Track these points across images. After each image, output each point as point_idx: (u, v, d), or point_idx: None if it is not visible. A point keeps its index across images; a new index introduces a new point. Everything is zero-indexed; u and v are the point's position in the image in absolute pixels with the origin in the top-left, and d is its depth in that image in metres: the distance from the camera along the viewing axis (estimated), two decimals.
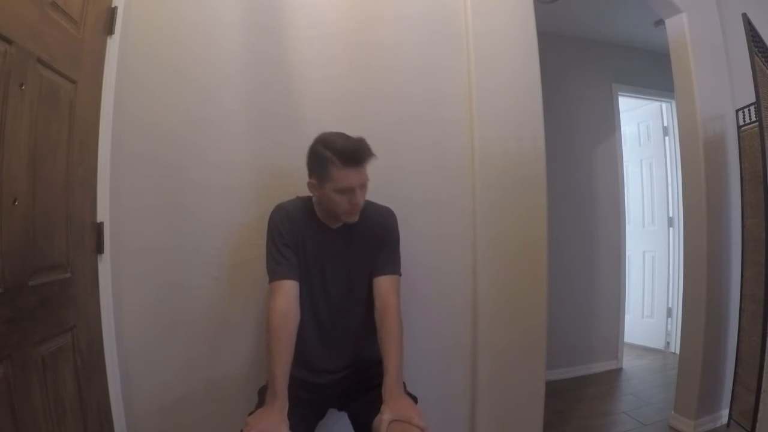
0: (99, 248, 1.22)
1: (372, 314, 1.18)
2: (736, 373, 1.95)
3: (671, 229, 3.30)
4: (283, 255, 1.12)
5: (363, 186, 1.09)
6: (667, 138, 3.33)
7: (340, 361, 1.20)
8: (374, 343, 1.20)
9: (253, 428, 0.94)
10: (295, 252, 1.14)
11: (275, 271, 1.11)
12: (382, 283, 1.17)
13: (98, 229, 1.22)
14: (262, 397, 1.09)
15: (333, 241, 1.18)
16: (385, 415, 0.98)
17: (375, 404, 1.03)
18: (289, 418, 0.99)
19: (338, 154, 1.04)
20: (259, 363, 1.32)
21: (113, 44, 1.26)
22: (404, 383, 1.14)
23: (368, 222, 1.20)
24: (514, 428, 1.57)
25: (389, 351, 1.08)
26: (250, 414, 1.02)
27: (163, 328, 1.30)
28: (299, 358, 1.13)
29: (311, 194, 1.16)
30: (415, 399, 1.11)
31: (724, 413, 2.04)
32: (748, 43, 1.71)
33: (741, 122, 2.01)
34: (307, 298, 1.16)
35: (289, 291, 1.09)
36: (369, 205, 1.22)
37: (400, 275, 1.22)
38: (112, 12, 1.26)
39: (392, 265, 1.20)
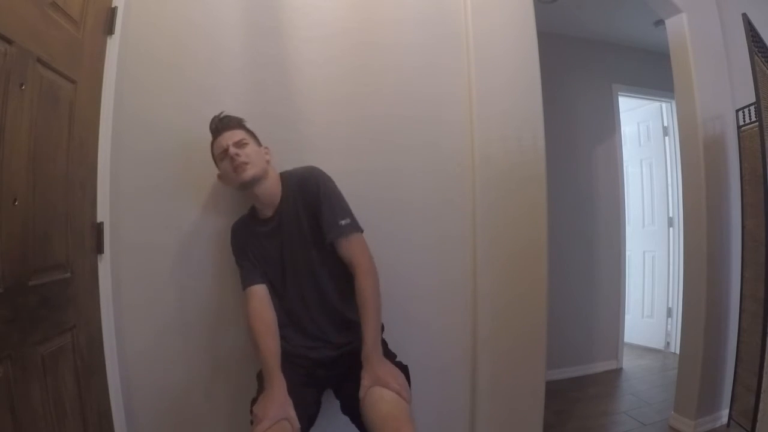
0: (99, 248, 1.22)
1: (350, 283, 1.16)
2: (736, 373, 1.95)
3: (671, 229, 3.30)
4: (242, 266, 1.21)
5: (237, 144, 1.15)
6: (667, 138, 3.33)
7: (328, 343, 1.19)
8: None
9: (263, 418, 0.96)
10: (252, 261, 1.21)
11: (242, 281, 1.21)
12: (340, 248, 1.15)
13: (98, 229, 1.22)
14: (262, 382, 1.11)
15: (266, 230, 1.21)
16: (365, 381, 1.02)
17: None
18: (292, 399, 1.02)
19: (210, 131, 1.19)
20: (257, 362, 1.31)
21: (113, 44, 1.26)
22: (395, 354, 1.16)
23: (289, 191, 1.20)
24: (514, 428, 1.57)
25: (363, 318, 1.09)
26: (253, 401, 1.04)
27: (163, 328, 1.30)
28: (290, 343, 1.16)
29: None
30: (405, 369, 1.12)
31: (724, 413, 2.04)
32: (748, 43, 1.71)
33: (741, 122, 2.01)
34: (276, 297, 1.20)
35: (256, 293, 1.17)
36: (288, 174, 1.24)
37: (359, 230, 1.16)
38: (112, 12, 1.26)
39: (340, 225, 1.13)
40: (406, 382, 1.06)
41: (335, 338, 1.19)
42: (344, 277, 1.18)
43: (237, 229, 1.26)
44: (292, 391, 1.04)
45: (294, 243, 1.19)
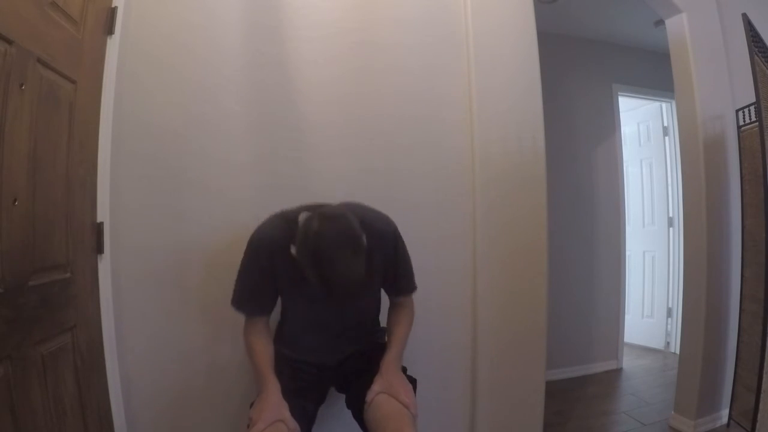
0: (99, 248, 1.22)
1: (377, 311, 1.21)
2: (736, 373, 1.95)
3: (671, 229, 3.30)
4: (256, 289, 1.08)
5: None
6: (667, 138, 3.32)
7: (341, 354, 1.20)
8: (377, 331, 1.23)
9: (257, 421, 0.96)
10: (274, 284, 1.09)
11: (247, 307, 1.10)
12: (401, 299, 1.20)
13: (98, 229, 1.22)
14: None
15: None
16: (375, 386, 1.03)
17: (367, 384, 1.06)
18: (288, 403, 1.02)
19: (319, 281, 0.88)
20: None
21: (113, 44, 1.26)
22: (405, 368, 1.16)
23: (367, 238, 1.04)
24: (514, 428, 1.57)
25: (396, 331, 1.13)
26: (251, 405, 1.04)
27: (162, 328, 1.30)
28: (297, 351, 1.16)
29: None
30: (414, 382, 1.12)
31: (724, 413, 2.04)
32: (748, 43, 1.71)
33: (741, 122, 2.01)
34: (309, 312, 1.13)
35: (261, 328, 1.11)
36: (365, 214, 1.07)
37: (416, 288, 1.21)
38: (112, 12, 1.26)
39: (411, 284, 1.19)
40: (415, 398, 1.05)
41: (344, 355, 1.20)
42: (377, 311, 1.24)
43: (273, 251, 1.04)
44: (293, 395, 1.04)
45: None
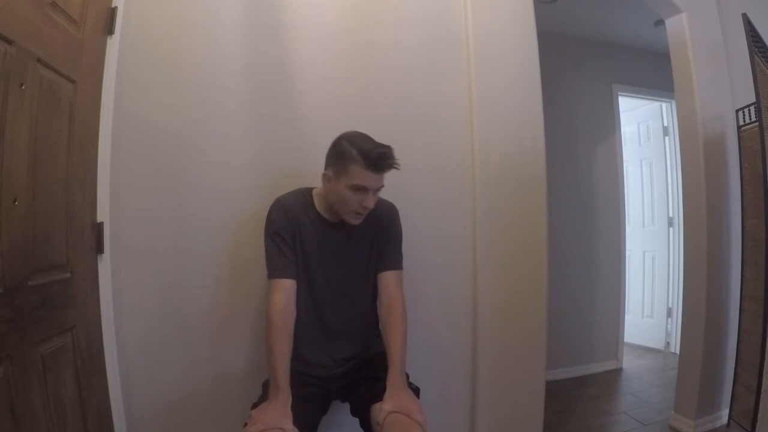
0: (99, 248, 1.22)
1: (374, 308, 1.20)
2: (736, 373, 1.95)
3: (671, 229, 3.30)
4: (281, 252, 1.12)
5: (377, 190, 1.11)
6: (667, 138, 3.33)
7: (343, 354, 1.20)
8: (377, 336, 1.22)
9: (257, 422, 0.95)
10: (293, 248, 1.14)
11: (274, 268, 1.12)
12: (388, 277, 1.19)
13: (98, 229, 1.22)
14: (266, 390, 1.10)
15: (333, 235, 1.18)
16: (386, 405, 1.01)
17: (374, 393, 1.05)
18: (292, 412, 1.01)
19: (363, 156, 1.04)
20: (259, 362, 1.32)
21: (113, 44, 1.26)
22: (407, 374, 1.15)
23: (370, 215, 1.18)
24: (514, 428, 1.57)
25: (394, 343, 1.10)
26: (254, 406, 1.04)
27: (163, 328, 1.30)
28: (300, 352, 1.15)
29: (322, 185, 1.15)
30: (417, 391, 1.12)
31: (724, 413, 2.04)
32: (748, 43, 1.71)
33: (741, 122, 2.01)
34: (307, 293, 1.17)
35: (287, 289, 1.11)
36: None
37: (402, 270, 1.23)
38: (112, 12, 1.26)
39: (396, 261, 1.22)
40: (425, 415, 1.03)
41: (345, 355, 1.20)
42: (374, 307, 1.22)
43: (291, 209, 1.15)
44: (295, 405, 1.03)
45: (361, 257, 1.20)
